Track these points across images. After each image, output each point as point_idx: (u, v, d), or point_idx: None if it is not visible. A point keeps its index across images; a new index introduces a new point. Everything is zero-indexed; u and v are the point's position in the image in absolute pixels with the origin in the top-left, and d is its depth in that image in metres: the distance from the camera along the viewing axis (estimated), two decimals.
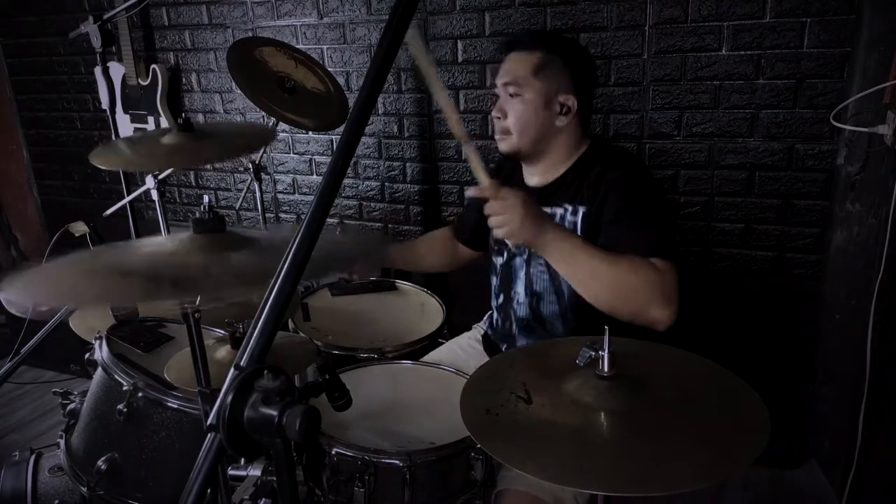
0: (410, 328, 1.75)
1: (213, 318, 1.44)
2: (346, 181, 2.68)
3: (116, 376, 1.33)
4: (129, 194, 2.51)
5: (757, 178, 2.04)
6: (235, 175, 2.94)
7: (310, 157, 2.75)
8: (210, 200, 1.02)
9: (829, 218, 1.98)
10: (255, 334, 0.67)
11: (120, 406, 1.28)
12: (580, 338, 1.16)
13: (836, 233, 1.93)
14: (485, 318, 1.83)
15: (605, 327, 1.05)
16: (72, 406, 1.52)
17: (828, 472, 2.03)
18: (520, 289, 1.59)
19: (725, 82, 2.00)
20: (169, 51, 2.89)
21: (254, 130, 1.75)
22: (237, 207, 2.77)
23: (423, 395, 1.47)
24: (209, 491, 0.80)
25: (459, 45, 2.33)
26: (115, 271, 0.89)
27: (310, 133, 2.70)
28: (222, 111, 2.88)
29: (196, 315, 1.01)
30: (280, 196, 2.86)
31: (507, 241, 1.35)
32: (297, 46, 2.40)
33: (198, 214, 0.99)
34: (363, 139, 2.53)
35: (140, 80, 2.82)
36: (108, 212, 2.25)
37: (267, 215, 2.61)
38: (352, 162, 2.07)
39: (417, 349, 1.69)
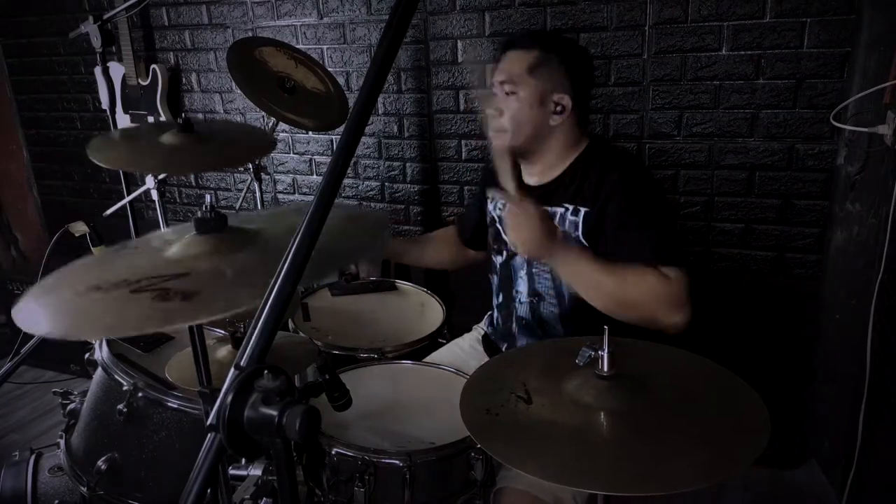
0: (410, 328, 1.75)
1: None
2: (346, 181, 2.68)
3: (116, 376, 1.33)
4: (129, 194, 2.51)
5: (757, 178, 2.04)
6: (235, 175, 2.94)
7: (310, 157, 2.75)
8: (211, 200, 1.02)
9: (829, 218, 1.98)
10: (255, 334, 0.67)
11: (120, 406, 1.28)
12: (580, 338, 1.16)
13: (836, 233, 1.93)
14: (485, 318, 1.83)
15: (605, 327, 1.06)
16: (72, 406, 1.52)
17: (828, 472, 2.03)
18: (522, 288, 1.59)
19: (725, 82, 2.00)
20: (169, 51, 2.89)
21: (255, 134, 1.75)
22: (237, 207, 2.77)
23: (423, 395, 1.47)
24: (209, 491, 0.80)
25: (459, 45, 2.33)
26: (121, 288, 0.87)
27: (310, 133, 2.70)
28: (222, 111, 2.88)
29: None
30: (280, 196, 2.86)
31: (517, 251, 1.40)
32: (297, 46, 2.40)
33: (199, 214, 0.99)
34: (363, 139, 2.53)
35: (140, 80, 2.82)
36: (109, 212, 2.25)
37: None
38: (352, 162, 2.07)
39: (417, 349, 1.68)
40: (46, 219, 3.56)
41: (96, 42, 2.51)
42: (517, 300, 1.61)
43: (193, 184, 3.07)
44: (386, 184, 2.63)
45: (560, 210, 1.48)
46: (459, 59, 2.34)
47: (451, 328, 1.86)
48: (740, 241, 2.11)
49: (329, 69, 2.24)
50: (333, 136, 2.65)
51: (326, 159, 2.73)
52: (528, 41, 1.51)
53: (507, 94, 1.48)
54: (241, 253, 0.95)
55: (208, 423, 0.64)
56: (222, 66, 2.77)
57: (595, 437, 0.99)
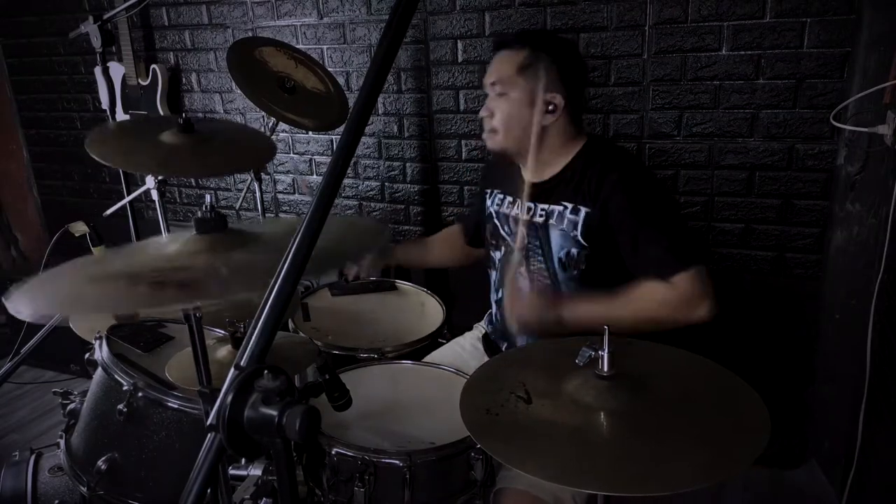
0: (410, 328, 1.75)
1: (213, 318, 1.44)
2: (346, 181, 2.68)
3: (116, 376, 1.33)
4: (129, 194, 2.51)
5: (757, 178, 2.04)
6: (235, 175, 2.94)
7: (310, 157, 2.75)
8: (211, 200, 1.02)
9: (829, 218, 1.98)
10: (255, 334, 0.67)
11: (120, 406, 1.28)
12: (580, 338, 1.16)
13: (836, 233, 1.93)
14: (485, 317, 1.83)
15: (605, 327, 1.06)
16: (72, 406, 1.52)
17: (828, 472, 2.03)
18: (522, 285, 1.59)
19: (725, 82, 2.00)
20: (169, 51, 2.89)
21: (255, 137, 1.74)
22: (237, 207, 2.77)
23: (423, 395, 1.47)
24: (209, 491, 0.80)
25: (459, 45, 2.33)
26: (119, 277, 0.89)
27: (310, 133, 2.70)
28: (222, 111, 2.88)
29: (197, 314, 1.01)
30: (280, 196, 2.86)
31: (524, 333, 1.54)
32: (297, 46, 2.40)
33: (199, 214, 0.99)
34: (363, 139, 2.53)
35: (140, 80, 2.82)
36: (109, 212, 2.24)
37: (267, 215, 2.61)
38: (352, 162, 2.07)
39: (417, 349, 1.69)
40: (46, 219, 3.56)
41: (96, 42, 2.51)
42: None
43: (193, 184, 3.07)
44: (386, 184, 2.64)
45: (559, 208, 1.49)
46: (459, 60, 2.34)
47: (451, 328, 1.86)
48: (740, 241, 2.11)
49: (329, 69, 2.24)
50: (333, 136, 2.65)
51: (326, 159, 2.73)
52: (516, 41, 1.51)
53: (498, 95, 1.49)
54: (238, 251, 0.96)
55: (208, 423, 0.65)
56: (222, 66, 2.77)
57: (595, 437, 0.99)
